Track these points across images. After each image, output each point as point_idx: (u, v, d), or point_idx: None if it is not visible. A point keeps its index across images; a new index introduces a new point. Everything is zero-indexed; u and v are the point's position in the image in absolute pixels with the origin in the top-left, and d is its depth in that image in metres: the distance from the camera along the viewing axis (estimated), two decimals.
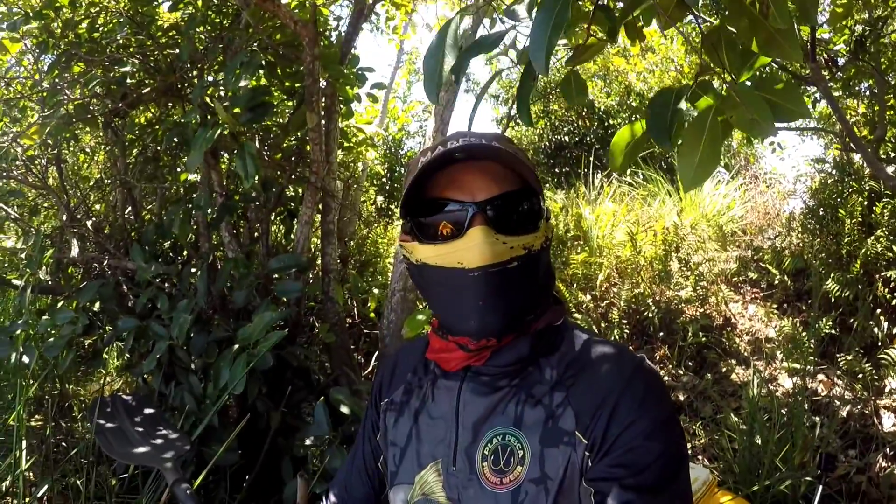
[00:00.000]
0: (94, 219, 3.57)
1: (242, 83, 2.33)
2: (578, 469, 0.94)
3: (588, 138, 8.51)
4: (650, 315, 4.36)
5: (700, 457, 3.63)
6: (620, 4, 1.54)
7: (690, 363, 4.33)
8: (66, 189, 3.60)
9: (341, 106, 2.93)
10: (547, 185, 7.55)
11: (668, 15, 1.45)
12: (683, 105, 1.24)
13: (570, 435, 0.94)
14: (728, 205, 5.81)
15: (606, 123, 8.49)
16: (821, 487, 2.08)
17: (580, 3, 1.53)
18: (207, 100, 2.32)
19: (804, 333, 3.97)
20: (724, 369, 4.22)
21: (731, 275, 4.98)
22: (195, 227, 2.90)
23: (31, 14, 2.89)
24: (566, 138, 8.76)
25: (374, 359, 3.09)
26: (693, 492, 1.35)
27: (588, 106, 8.13)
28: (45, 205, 4.11)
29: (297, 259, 2.59)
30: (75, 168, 4.45)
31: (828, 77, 4.16)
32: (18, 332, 2.87)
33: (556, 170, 8.59)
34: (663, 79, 7.55)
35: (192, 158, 2.32)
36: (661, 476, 0.90)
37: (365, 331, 4.03)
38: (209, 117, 2.37)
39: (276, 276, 2.68)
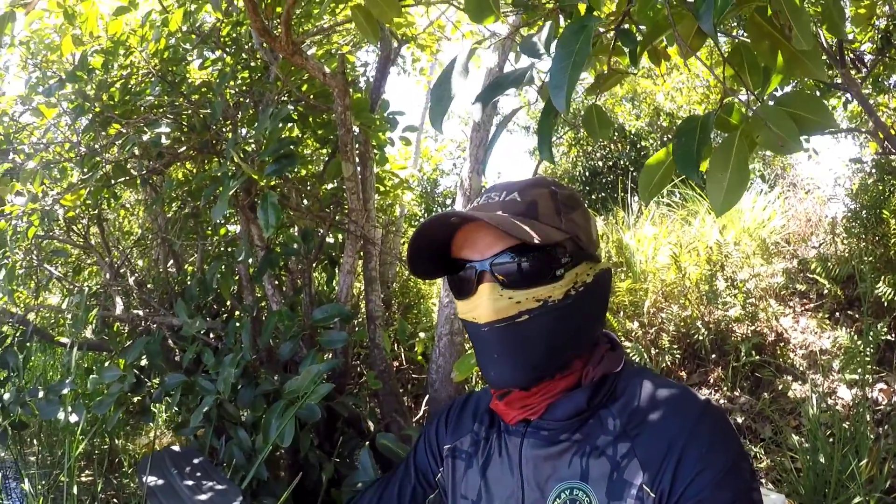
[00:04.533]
0: (136, 275, 3.60)
1: (270, 133, 2.34)
2: None
3: (621, 162, 8.48)
4: (700, 338, 4.25)
5: (763, 480, 3.50)
6: (642, 27, 1.51)
7: (745, 383, 4.20)
8: (109, 246, 3.65)
9: (375, 152, 2.92)
10: None
11: (689, 44, 1.41)
12: (710, 133, 1.20)
13: (638, 488, 0.92)
14: (769, 216, 5.68)
15: (638, 146, 8.47)
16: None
17: (600, 33, 1.50)
18: (234, 154, 2.33)
19: (859, 342, 3.83)
20: (780, 387, 4.08)
21: (779, 288, 4.85)
22: (237, 280, 2.90)
23: (64, 77, 2.95)
24: (599, 163, 8.74)
25: (424, 403, 3.05)
26: None
27: (618, 130, 8.09)
28: (89, 262, 4.16)
29: (340, 308, 2.57)
30: (116, 224, 4.52)
31: (857, 78, 4.07)
32: (66, 391, 2.91)
33: (593, 196, 8.57)
34: (691, 96, 7.48)
35: (218, 208, 2.34)
36: None
37: (413, 375, 4.00)
38: (240, 169, 2.40)
39: (321, 326, 2.66)
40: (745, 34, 1.36)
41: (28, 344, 3.90)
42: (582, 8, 1.49)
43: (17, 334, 3.76)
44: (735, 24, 4.06)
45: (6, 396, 3.50)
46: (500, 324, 0.97)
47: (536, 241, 0.94)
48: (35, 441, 4.44)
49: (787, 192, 7.01)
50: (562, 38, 1.13)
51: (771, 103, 1.23)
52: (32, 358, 4.85)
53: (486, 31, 3.26)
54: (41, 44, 3.66)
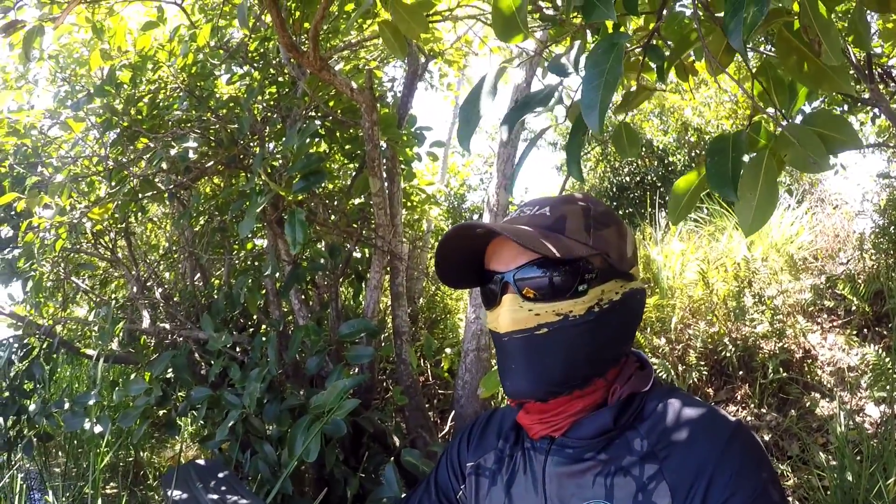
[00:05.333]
0: (163, 288, 3.62)
1: (298, 148, 2.35)
2: None
3: (649, 177, 8.43)
4: (727, 354, 4.20)
5: (790, 498, 3.43)
6: (669, 42, 1.49)
7: (773, 400, 4.13)
8: (136, 259, 3.67)
9: (403, 167, 2.92)
10: None
11: (718, 60, 1.40)
12: (743, 151, 1.18)
13: None
14: (796, 231, 5.62)
15: (666, 161, 8.41)
16: None
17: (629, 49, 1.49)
18: (259, 170, 2.34)
19: (887, 359, 3.76)
20: (807, 404, 4.01)
21: (807, 305, 4.78)
22: (264, 294, 2.91)
23: (92, 91, 2.98)
24: (627, 179, 8.70)
25: (450, 418, 3.03)
26: None
27: (646, 145, 8.05)
28: (116, 274, 4.19)
29: (367, 324, 2.57)
30: (144, 238, 4.55)
31: (886, 93, 4.01)
32: (92, 402, 2.93)
33: (620, 212, 8.52)
34: (719, 111, 7.42)
35: (245, 223, 2.35)
36: None
37: (439, 391, 3.98)
38: (267, 185, 2.41)
39: (348, 341, 2.66)
40: (773, 50, 1.35)
41: (55, 356, 3.94)
42: (610, 25, 1.48)
43: (44, 346, 3.80)
44: (762, 39, 4.04)
45: (32, 408, 3.54)
46: (517, 334, 0.98)
47: (556, 256, 0.94)
48: (60, 453, 4.47)
49: (814, 208, 6.92)
50: (592, 57, 1.12)
51: (798, 121, 1.22)
52: (59, 370, 4.89)
53: (514, 48, 3.26)
54: (70, 58, 3.71)
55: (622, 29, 1.58)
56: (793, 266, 5.11)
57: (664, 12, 1.38)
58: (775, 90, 1.34)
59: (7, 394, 3.68)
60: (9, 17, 2.52)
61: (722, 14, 1.06)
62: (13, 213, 3.58)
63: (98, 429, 2.85)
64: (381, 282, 2.65)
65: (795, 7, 1.19)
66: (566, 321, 0.97)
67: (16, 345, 3.91)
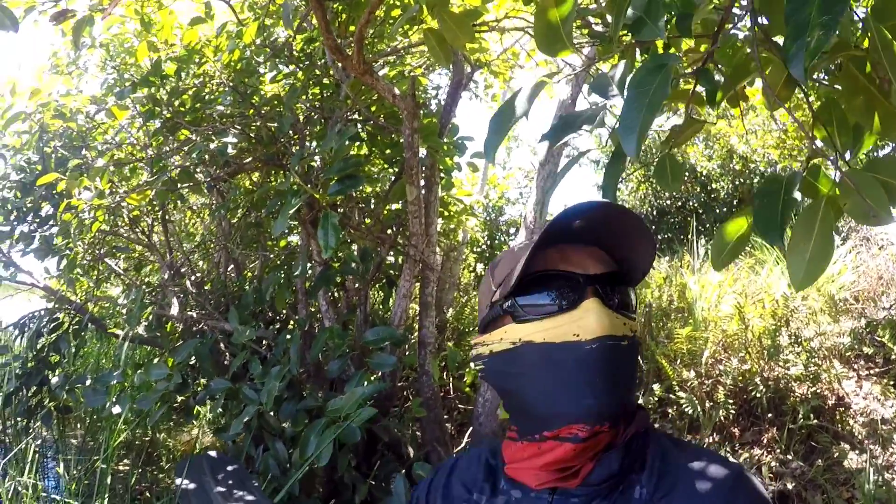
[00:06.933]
0: (196, 275, 3.66)
1: (335, 151, 2.34)
2: None
3: (690, 203, 8.29)
4: (758, 395, 4.08)
5: None
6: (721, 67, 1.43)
7: (800, 447, 4.01)
8: (171, 246, 3.72)
9: (442, 176, 2.90)
10: None
11: (776, 94, 1.33)
12: (795, 195, 1.10)
13: None
14: (839, 270, 5.45)
15: (709, 188, 8.25)
16: None
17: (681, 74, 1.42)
18: (296, 171, 2.34)
19: None
20: (836, 454, 3.88)
21: (845, 350, 4.63)
22: (293, 293, 2.91)
23: (137, 81, 3.03)
24: (668, 203, 8.56)
25: (467, 435, 2.99)
26: None
27: (689, 170, 7.91)
28: (151, 258, 4.25)
29: (392, 332, 2.55)
30: (183, 225, 4.60)
31: None
32: (113, 382, 2.97)
33: (659, 236, 8.38)
34: (766, 139, 7.25)
35: (279, 223, 2.35)
36: None
37: (459, 405, 3.94)
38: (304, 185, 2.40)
39: (372, 347, 2.64)
40: (839, 86, 1.27)
41: (83, 333, 4.02)
42: (660, 45, 1.42)
43: (74, 322, 3.88)
44: (824, 76, 3.92)
45: (55, 380, 3.62)
46: (610, 340, 0.87)
47: (648, 271, 0.93)
48: (79, 425, 4.54)
49: (859, 247, 6.72)
50: (636, 77, 1.04)
51: (860, 167, 1.14)
52: (87, 346, 4.98)
53: (560, 62, 3.21)
54: (121, 47, 3.77)
55: (672, 50, 1.52)
56: (832, 307, 4.96)
57: (720, 36, 1.31)
58: (838, 131, 1.25)
59: (32, 363, 3.77)
60: (59, 6, 2.56)
61: (782, 39, 0.95)
62: (54, 192, 3.65)
63: (116, 409, 2.88)
64: (411, 290, 2.63)
65: (865, 43, 1.12)
66: (636, 339, 0.93)
67: (46, 318, 4.01)
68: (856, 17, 1.30)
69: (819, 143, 1.31)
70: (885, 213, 1.02)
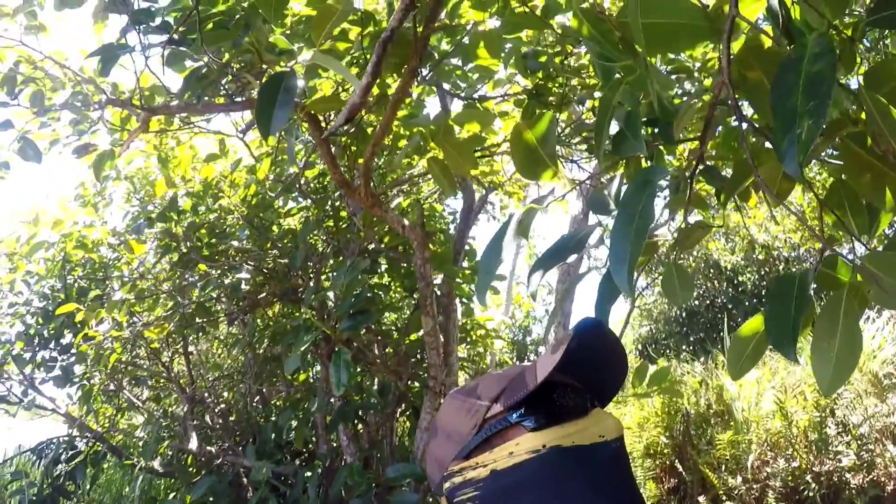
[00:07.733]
0: (221, 406, 3.61)
1: (346, 287, 2.31)
2: None
3: (719, 300, 8.13)
4: (810, 493, 3.85)
5: None
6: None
7: None
8: (193, 377, 3.69)
9: (464, 301, 2.84)
10: (682, 356, 7.18)
11: (776, 192, 1.24)
12: (809, 296, 0.97)
13: None
14: (878, 345, 5.23)
15: (735, 281, 8.10)
16: None
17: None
18: (310, 306, 2.30)
19: None
20: None
21: None
22: (313, 429, 2.84)
23: (154, 217, 3.08)
24: (696, 303, 8.41)
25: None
26: None
27: (714, 266, 7.80)
28: (173, 389, 4.22)
29: (413, 469, 2.44)
30: (209, 354, 4.58)
31: None
32: None
33: (691, 338, 8.20)
34: (785, 224, 7.13)
35: (291, 362, 2.34)
36: None
37: None
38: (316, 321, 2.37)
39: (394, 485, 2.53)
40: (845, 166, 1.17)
41: (102, 463, 3.95)
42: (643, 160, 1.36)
43: (91, 450, 3.83)
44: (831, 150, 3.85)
45: None
46: (616, 443, 0.82)
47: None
48: None
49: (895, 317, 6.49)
50: (625, 196, 0.98)
51: (880, 249, 1.04)
52: (105, 474, 4.90)
53: (567, 172, 3.18)
54: (144, 180, 3.85)
55: (663, 158, 1.45)
56: (877, 385, 4.73)
57: (707, 134, 1.24)
58: (851, 212, 1.16)
59: (48, 491, 3.70)
60: (83, 140, 2.64)
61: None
62: (74, 320, 3.67)
63: None
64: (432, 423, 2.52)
65: (861, 115, 1.03)
66: None
67: (65, 445, 3.96)
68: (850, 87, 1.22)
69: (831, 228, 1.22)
70: None
